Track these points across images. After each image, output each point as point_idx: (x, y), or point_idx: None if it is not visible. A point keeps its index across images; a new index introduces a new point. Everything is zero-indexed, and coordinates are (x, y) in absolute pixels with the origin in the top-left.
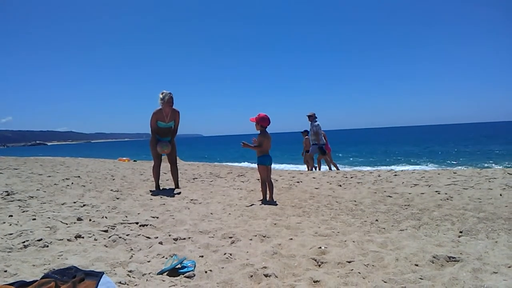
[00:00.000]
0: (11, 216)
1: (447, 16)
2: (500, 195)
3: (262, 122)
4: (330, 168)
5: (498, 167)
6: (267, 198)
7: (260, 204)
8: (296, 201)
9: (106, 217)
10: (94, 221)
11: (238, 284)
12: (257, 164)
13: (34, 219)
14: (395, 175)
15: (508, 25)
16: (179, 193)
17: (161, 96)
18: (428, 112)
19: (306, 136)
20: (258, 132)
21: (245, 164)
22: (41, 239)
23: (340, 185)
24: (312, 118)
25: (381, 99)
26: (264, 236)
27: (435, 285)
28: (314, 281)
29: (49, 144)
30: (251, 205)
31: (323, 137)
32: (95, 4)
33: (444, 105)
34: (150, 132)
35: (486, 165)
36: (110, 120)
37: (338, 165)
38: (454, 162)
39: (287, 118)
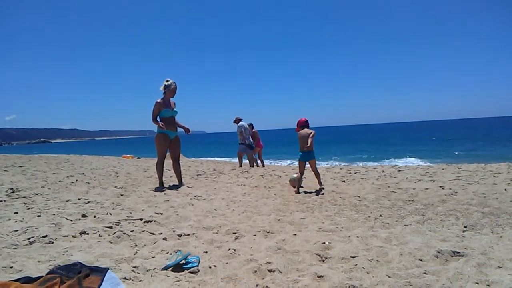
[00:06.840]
0: (17, 213)
1: (445, 14)
2: (505, 190)
3: (297, 125)
4: (257, 164)
5: (503, 162)
6: (319, 186)
7: (263, 200)
8: (300, 196)
9: (110, 214)
10: (98, 218)
11: (242, 280)
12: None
13: (39, 215)
14: (399, 170)
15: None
16: (183, 189)
17: (166, 83)
18: (429, 107)
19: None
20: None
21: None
22: (46, 236)
23: (344, 181)
24: (237, 121)
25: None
26: (268, 232)
27: (439, 279)
28: (318, 276)
29: (53, 141)
30: (255, 201)
31: (249, 137)
32: (99, 3)
33: (447, 100)
34: (153, 121)
35: (490, 160)
36: (114, 117)
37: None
38: (458, 157)
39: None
